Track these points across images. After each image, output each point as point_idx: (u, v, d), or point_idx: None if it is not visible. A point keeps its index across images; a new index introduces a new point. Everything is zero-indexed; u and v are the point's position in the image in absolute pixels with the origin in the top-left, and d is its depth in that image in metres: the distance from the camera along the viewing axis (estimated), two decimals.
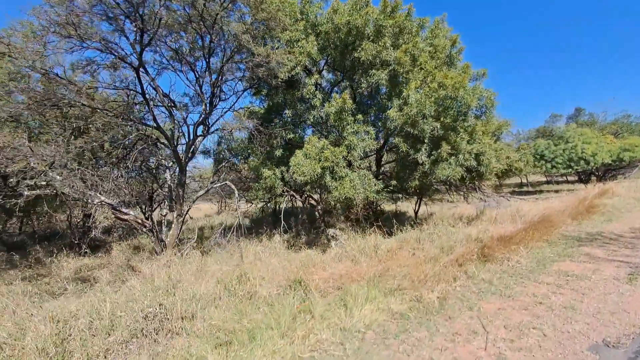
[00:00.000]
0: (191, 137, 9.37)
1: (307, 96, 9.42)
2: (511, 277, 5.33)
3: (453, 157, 8.71)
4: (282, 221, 11.32)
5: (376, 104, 10.21)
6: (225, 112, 10.89)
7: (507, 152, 9.46)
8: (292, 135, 10.71)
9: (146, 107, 9.25)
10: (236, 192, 8.94)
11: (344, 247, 8.26)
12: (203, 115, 8.96)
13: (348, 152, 8.95)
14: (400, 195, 15.87)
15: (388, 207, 20.32)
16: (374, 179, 9.42)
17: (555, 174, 29.72)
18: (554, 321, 3.74)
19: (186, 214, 9.99)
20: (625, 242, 7.02)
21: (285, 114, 10.39)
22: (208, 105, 8.85)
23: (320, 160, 8.53)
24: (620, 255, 6.11)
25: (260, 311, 4.08)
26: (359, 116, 9.19)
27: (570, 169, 26.64)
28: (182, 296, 4.87)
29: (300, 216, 14.68)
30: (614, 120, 33.92)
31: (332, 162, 8.53)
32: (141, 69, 7.48)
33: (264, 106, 12.39)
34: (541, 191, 29.98)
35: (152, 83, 7.99)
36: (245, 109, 12.74)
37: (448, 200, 31.88)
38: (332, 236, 8.95)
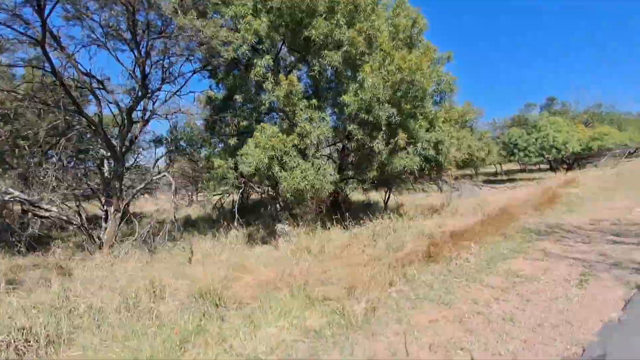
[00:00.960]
0: (125, 123, 8.40)
1: (256, 79, 8.57)
2: (456, 278, 4.82)
3: (411, 146, 8.15)
4: (237, 214, 10.59)
5: (335, 89, 9.48)
6: (170, 97, 9.94)
7: (469, 140, 8.96)
8: (245, 123, 9.91)
9: (78, 89, 8.22)
10: (173, 184, 8.12)
11: (294, 244, 7.63)
12: (136, 99, 8.00)
13: (300, 140, 8.24)
14: (370, 185, 15.37)
15: (362, 197, 19.90)
16: (331, 169, 8.78)
17: (527, 162, 30.04)
18: (487, 338, 3.21)
19: (124, 208, 9.08)
20: (583, 236, 6.67)
21: (237, 99, 9.52)
22: (140, 87, 7.88)
23: (268, 149, 7.81)
24: (575, 251, 5.72)
25: (147, 334, 3.37)
26: (314, 101, 8.46)
27: (542, 158, 26.93)
28: (79, 312, 4.13)
29: (269, 208, 13.98)
30: (586, 109, 34.45)
31: (281, 151, 7.83)
32: (52, 44, 6.45)
33: (222, 91, 11.41)
34: (514, 179, 30.30)
35: (69, 60, 6.94)
36: (205, 93, 11.76)
37: (423, 190, 31.90)
38: (282, 232, 8.29)
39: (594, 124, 31.49)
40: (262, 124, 8.97)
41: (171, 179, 8.26)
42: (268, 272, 5.12)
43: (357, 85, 8.03)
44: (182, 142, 12.36)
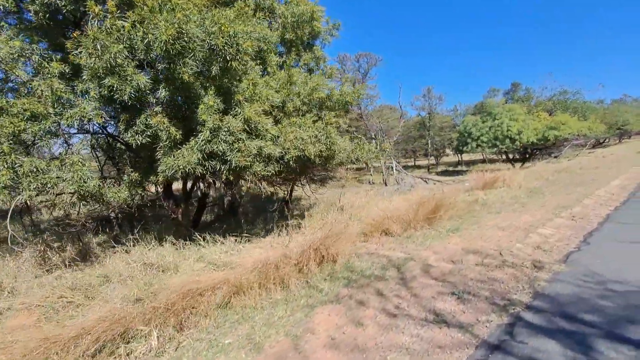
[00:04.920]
0: None
1: None
2: None
3: (195, 138, 5.25)
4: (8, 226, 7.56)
5: None
6: None
7: (313, 131, 6.08)
8: None
9: None
10: None
11: None
12: None
13: (25, 126, 5.23)
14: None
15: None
16: (87, 171, 5.78)
17: (482, 152, 27.80)
18: None
19: None
20: (409, 295, 3.97)
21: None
22: None
23: None
24: (344, 348, 3.00)
25: None
26: (55, 65, 5.39)
27: (496, 148, 24.65)
28: None
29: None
30: (551, 96, 32.15)
31: None
32: None
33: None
34: (469, 171, 27.99)
35: None
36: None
37: (370, 182, 29.24)
38: None
39: (557, 112, 29.30)
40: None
41: None
42: None
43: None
44: None
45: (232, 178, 5.71)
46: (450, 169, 33.81)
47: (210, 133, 5.06)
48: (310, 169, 7.55)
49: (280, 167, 6.00)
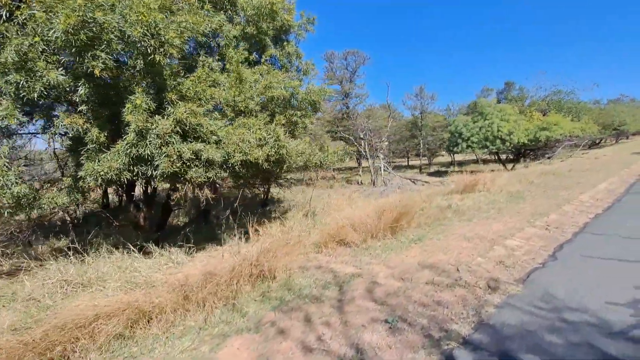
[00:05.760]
0: None
1: None
2: None
3: (122, 141, 4.75)
4: None
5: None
6: None
7: (262, 133, 5.57)
8: None
9: None
10: None
11: None
12: None
13: None
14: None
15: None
16: (12, 176, 5.27)
17: (472, 152, 27.33)
18: None
19: None
20: (340, 320, 3.48)
21: None
22: None
23: None
24: None
25: None
26: None
27: (486, 149, 24.16)
28: None
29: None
30: (545, 96, 31.59)
31: None
32: None
33: None
34: (459, 172, 27.49)
35: None
36: None
37: (359, 183, 28.66)
38: None
39: (551, 113, 28.77)
40: None
41: None
42: None
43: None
44: None
45: (166, 184, 5.20)
46: (443, 169, 33.33)
47: (136, 135, 4.55)
48: (264, 173, 7.04)
49: (225, 173, 5.49)
